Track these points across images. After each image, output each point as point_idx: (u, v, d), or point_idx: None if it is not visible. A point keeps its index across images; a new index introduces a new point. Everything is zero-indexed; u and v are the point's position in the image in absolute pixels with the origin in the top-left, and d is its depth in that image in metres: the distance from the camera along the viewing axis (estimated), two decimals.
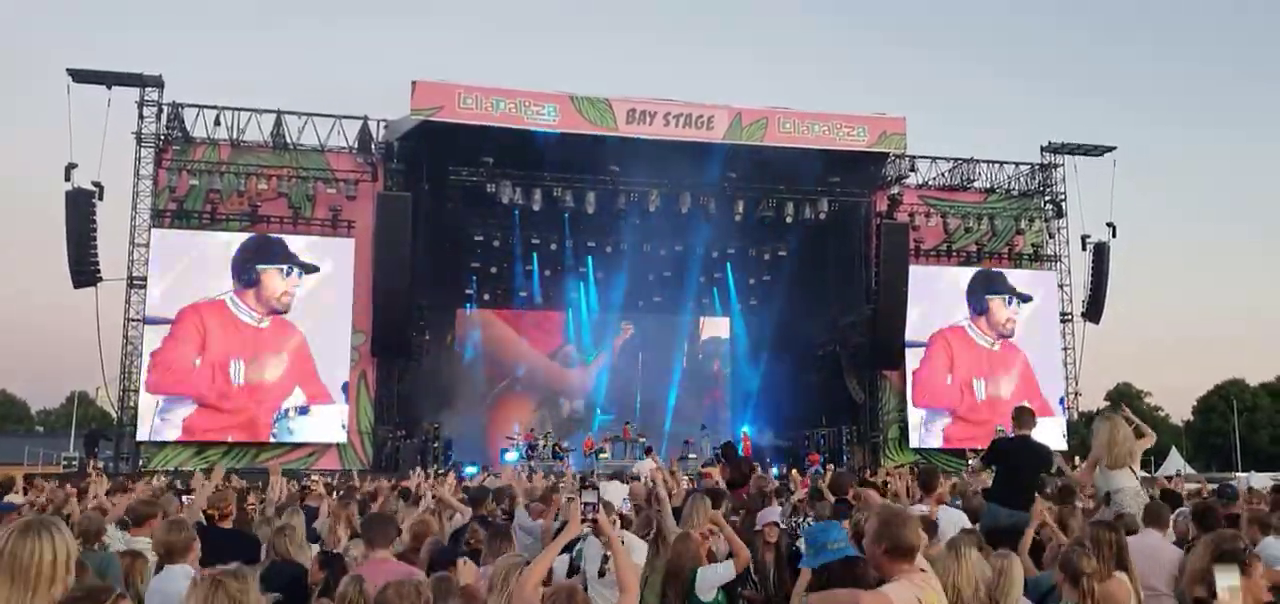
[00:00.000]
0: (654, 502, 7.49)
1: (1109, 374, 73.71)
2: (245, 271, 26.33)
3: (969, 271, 30.76)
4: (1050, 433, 27.33)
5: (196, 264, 25.93)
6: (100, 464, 24.68)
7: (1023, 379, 30.35)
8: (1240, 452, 56.20)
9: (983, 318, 30.78)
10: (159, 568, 5.67)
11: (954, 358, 30.36)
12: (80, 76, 25.66)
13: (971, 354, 30.53)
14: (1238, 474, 34.53)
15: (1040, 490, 8.56)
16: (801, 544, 4.12)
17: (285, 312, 26.48)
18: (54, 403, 79.57)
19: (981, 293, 30.81)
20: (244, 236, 26.34)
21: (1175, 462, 38.85)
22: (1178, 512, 8.67)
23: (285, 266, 26.60)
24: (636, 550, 6.41)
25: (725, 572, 6.32)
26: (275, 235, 26.59)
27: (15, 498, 11.14)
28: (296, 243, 26.64)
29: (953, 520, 7.64)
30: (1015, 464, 8.53)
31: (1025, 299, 31.00)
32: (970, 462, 22.80)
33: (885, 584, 4.02)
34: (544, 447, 29.84)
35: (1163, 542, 6.98)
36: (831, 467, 22.21)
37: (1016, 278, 30.95)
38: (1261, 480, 23.00)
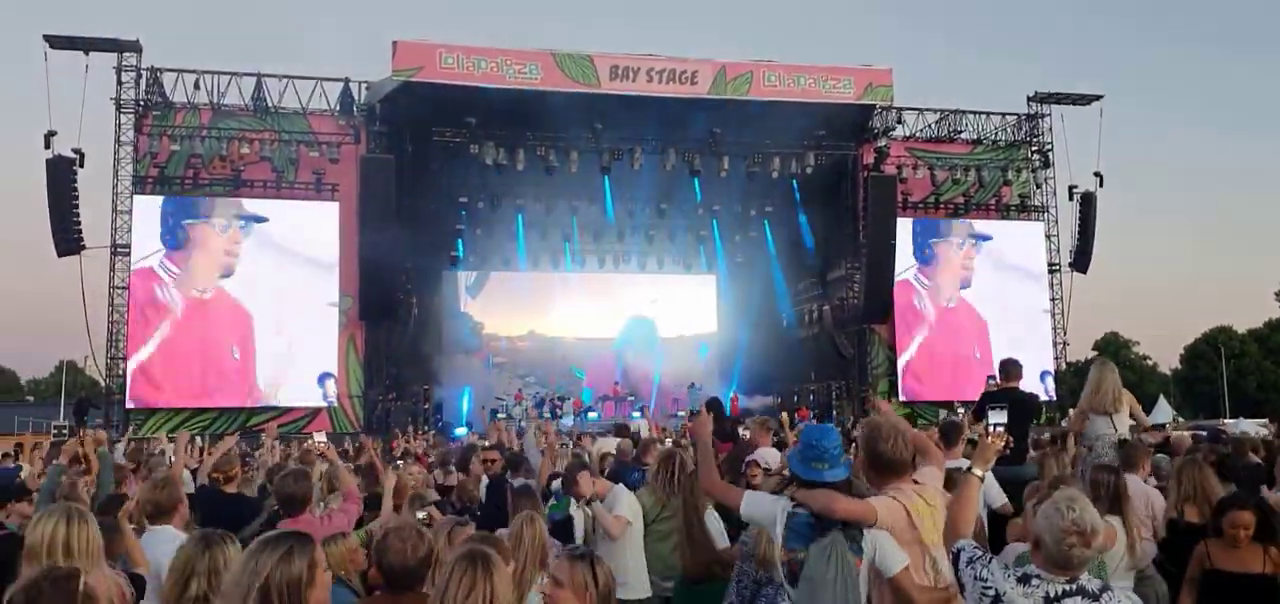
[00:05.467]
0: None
1: (1097, 324, 73.99)
2: (173, 231, 25.80)
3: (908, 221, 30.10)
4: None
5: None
6: (90, 432, 24.62)
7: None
8: (1228, 399, 56.57)
9: (932, 267, 30.21)
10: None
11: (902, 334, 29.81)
12: (56, 42, 25.30)
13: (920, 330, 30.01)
14: (1226, 421, 34.76)
15: (1034, 441, 8.68)
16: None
17: (228, 274, 26.04)
18: (43, 372, 79.53)
19: (928, 239, 30.31)
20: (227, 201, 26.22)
21: (1164, 410, 39.05)
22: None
23: (222, 222, 26.09)
24: (623, 500, 6.58)
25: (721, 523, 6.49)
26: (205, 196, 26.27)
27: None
28: (266, 204, 26.39)
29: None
30: (1008, 416, 8.58)
31: (982, 238, 30.44)
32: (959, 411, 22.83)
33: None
34: (530, 406, 29.92)
35: (1141, 484, 7.03)
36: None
37: (1002, 229, 30.76)
38: (1250, 427, 23.17)
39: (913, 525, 3.94)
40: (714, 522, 6.44)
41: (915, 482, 4.12)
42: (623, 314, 35.57)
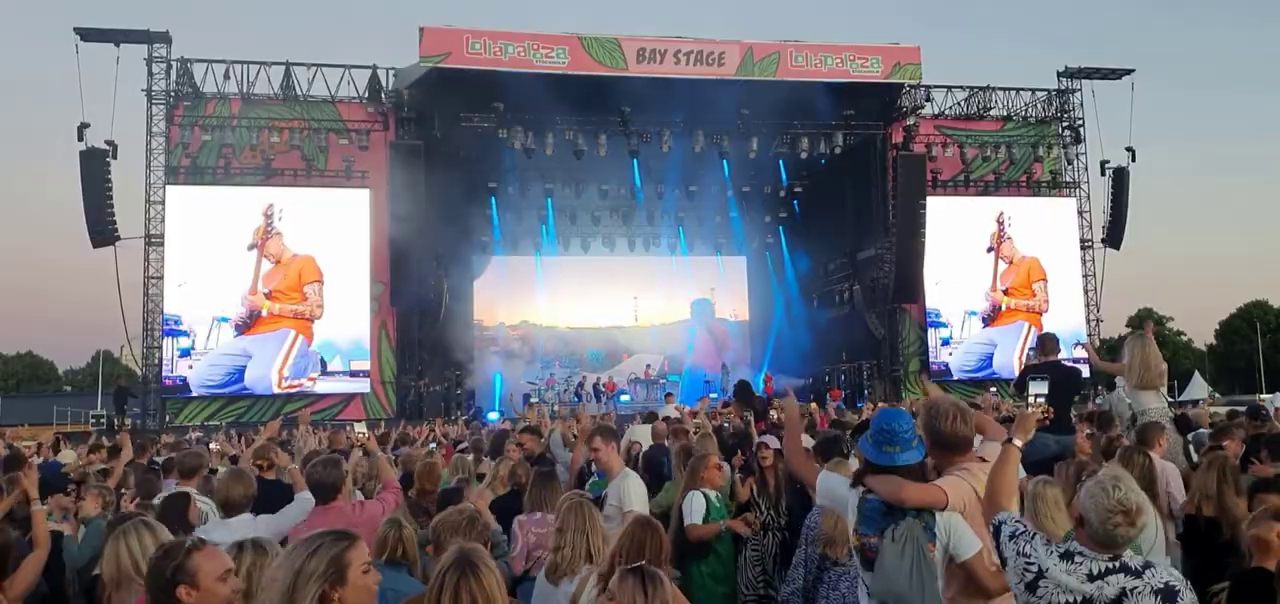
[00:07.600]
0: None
1: (1131, 300, 73.34)
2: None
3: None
4: None
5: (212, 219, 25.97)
6: (129, 421, 25.06)
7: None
8: (1264, 373, 55.81)
9: None
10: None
11: None
12: (88, 35, 25.57)
13: None
14: (1262, 396, 34.36)
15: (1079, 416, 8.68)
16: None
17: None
18: (80, 362, 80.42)
19: None
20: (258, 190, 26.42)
21: (1199, 386, 38.66)
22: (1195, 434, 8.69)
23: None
24: (637, 493, 6.36)
25: (701, 503, 6.54)
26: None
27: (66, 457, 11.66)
28: (297, 193, 26.63)
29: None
30: (1051, 389, 8.58)
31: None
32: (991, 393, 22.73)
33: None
34: (566, 390, 30.02)
35: (1160, 461, 6.98)
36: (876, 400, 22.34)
37: (1033, 206, 30.52)
38: None
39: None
40: (697, 504, 6.46)
41: (982, 459, 4.09)
42: (630, 301, 35.47)
